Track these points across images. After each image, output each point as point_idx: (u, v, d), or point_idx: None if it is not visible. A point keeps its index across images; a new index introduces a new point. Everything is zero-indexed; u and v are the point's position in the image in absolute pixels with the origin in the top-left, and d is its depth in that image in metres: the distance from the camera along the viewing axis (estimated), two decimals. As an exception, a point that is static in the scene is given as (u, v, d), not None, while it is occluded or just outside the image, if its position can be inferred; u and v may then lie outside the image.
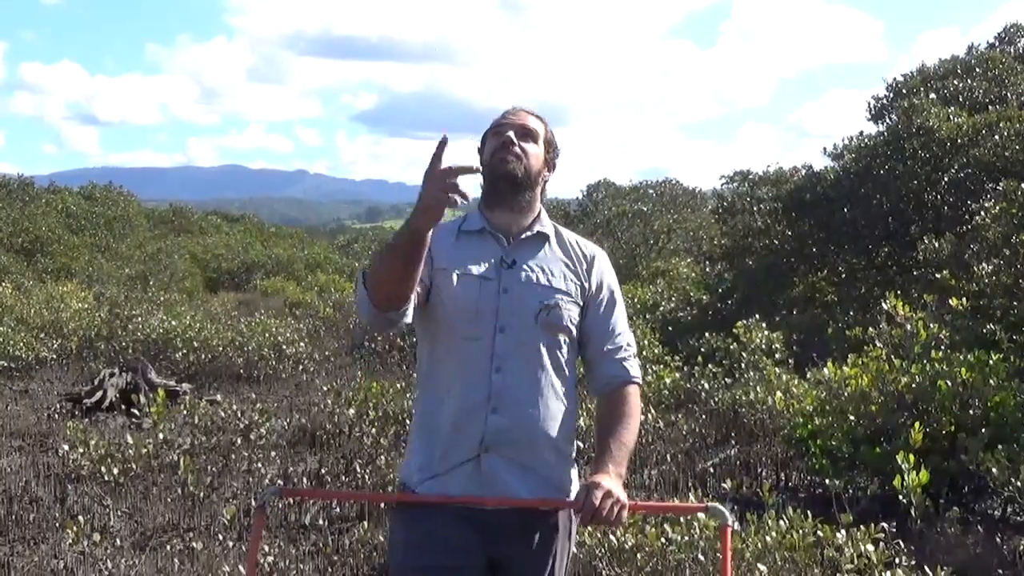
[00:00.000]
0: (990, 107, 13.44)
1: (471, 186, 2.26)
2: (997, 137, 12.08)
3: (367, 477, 6.16)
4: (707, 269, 15.86)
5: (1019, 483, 5.16)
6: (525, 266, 2.56)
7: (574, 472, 2.61)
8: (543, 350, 2.53)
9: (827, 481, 5.59)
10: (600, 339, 2.58)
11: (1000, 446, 5.28)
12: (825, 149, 14.75)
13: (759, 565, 3.92)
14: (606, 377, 2.56)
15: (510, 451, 2.48)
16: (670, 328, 12.64)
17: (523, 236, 2.59)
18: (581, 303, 2.58)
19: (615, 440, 2.47)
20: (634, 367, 2.59)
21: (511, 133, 2.57)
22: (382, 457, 6.57)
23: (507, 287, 2.53)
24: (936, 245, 10.50)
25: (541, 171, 2.62)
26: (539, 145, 2.62)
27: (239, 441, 6.91)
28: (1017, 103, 13.49)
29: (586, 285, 2.60)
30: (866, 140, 14.01)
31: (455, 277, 2.54)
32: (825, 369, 6.62)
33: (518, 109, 2.67)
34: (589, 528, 4.35)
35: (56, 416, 8.93)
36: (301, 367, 11.66)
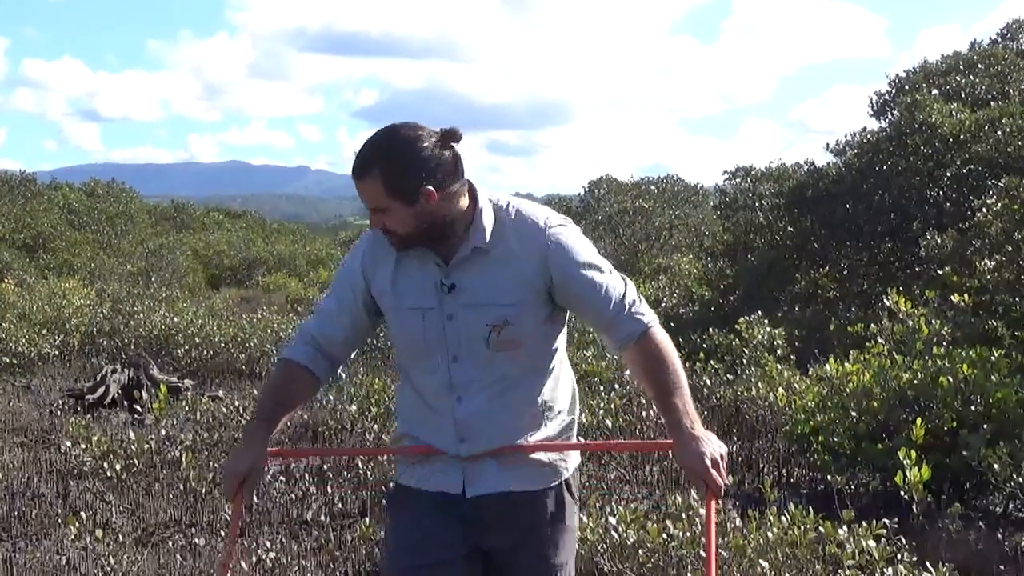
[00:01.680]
0: (992, 103, 13.44)
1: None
2: (999, 133, 12.07)
3: (369, 473, 6.16)
4: (709, 265, 15.86)
5: (1021, 479, 5.16)
6: (466, 288, 2.39)
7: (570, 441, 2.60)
8: (505, 368, 2.43)
9: (829, 477, 5.59)
10: (596, 310, 2.43)
11: (1002, 442, 5.27)
12: (827, 145, 14.76)
13: (761, 561, 3.92)
14: (622, 339, 2.43)
15: (490, 459, 2.46)
16: (672, 324, 12.63)
17: (457, 256, 2.40)
18: (548, 292, 2.42)
19: (670, 391, 2.38)
20: (645, 314, 2.43)
21: (373, 224, 2.40)
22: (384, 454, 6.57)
23: (451, 314, 2.40)
24: (938, 241, 10.50)
25: (422, 214, 2.32)
26: (394, 207, 2.32)
27: (241, 437, 6.91)
28: (1019, 99, 13.48)
29: (549, 272, 2.40)
30: (868, 136, 14.02)
31: (399, 313, 2.46)
32: (827, 365, 6.61)
33: (355, 177, 2.33)
34: (591, 524, 4.35)
35: (58, 412, 8.93)
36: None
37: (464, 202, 2.40)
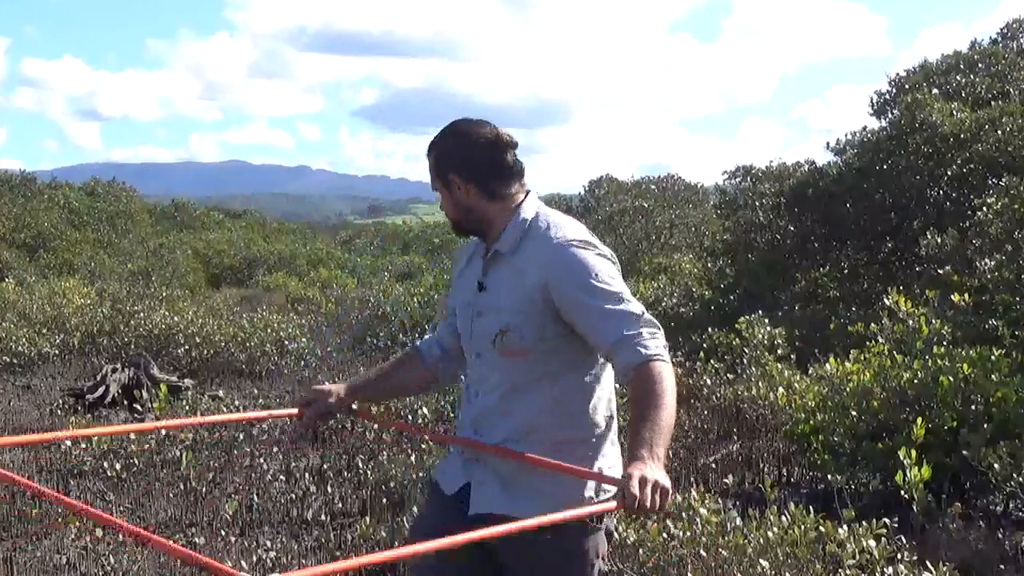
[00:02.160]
0: (992, 102, 13.42)
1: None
2: (1000, 132, 12.06)
3: (369, 473, 6.17)
4: (709, 265, 15.85)
5: (1021, 479, 5.16)
6: (490, 289, 2.54)
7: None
8: (512, 373, 2.49)
9: (829, 477, 5.59)
10: (592, 336, 2.42)
11: (1002, 442, 5.27)
12: (828, 144, 14.71)
13: (761, 561, 3.92)
14: (621, 370, 2.40)
15: (494, 465, 2.51)
16: (672, 324, 12.63)
17: (488, 258, 2.57)
18: (553, 308, 2.44)
19: (644, 422, 2.26)
20: (648, 347, 2.34)
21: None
22: (384, 453, 6.57)
23: (480, 311, 2.55)
24: (938, 240, 10.48)
25: (458, 202, 2.55)
26: (440, 189, 2.57)
27: (241, 436, 6.91)
28: (1020, 98, 13.47)
29: (548, 289, 2.43)
30: (869, 135, 13.99)
31: (458, 308, 2.68)
32: (827, 365, 6.61)
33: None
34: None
35: (59, 411, 8.94)
36: (303, 363, 11.67)
37: (509, 205, 2.54)
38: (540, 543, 2.42)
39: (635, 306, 2.41)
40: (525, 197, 2.56)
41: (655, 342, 2.37)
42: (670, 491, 2.15)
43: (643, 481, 2.12)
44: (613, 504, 2.18)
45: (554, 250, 2.45)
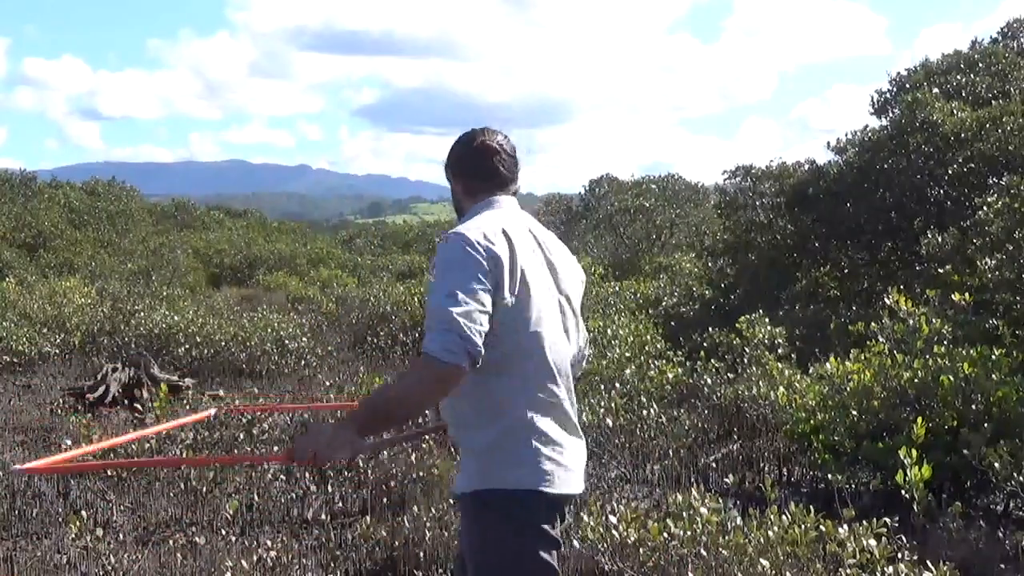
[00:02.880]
0: (993, 102, 13.42)
1: None
2: (1000, 131, 12.06)
3: (369, 472, 6.17)
4: (710, 264, 15.86)
5: (1022, 478, 5.16)
6: None
7: (476, 462, 2.60)
8: None
9: (829, 476, 5.59)
10: None
11: (1002, 441, 5.28)
12: (828, 144, 14.71)
13: (761, 560, 3.92)
14: None
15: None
16: (673, 323, 12.64)
17: None
18: None
19: (376, 393, 2.66)
20: (431, 340, 2.43)
21: None
22: (384, 453, 6.57)
23: None
24: (939, 240, 10.48)
25: (454, 195, 2.86)
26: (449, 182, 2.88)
27: (241, 436, 6.91)
28: (1020, 98, 13.46)
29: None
30: (869, 135, 13.99)
31: None
32: (828, 364, 6.61)
33: None
34: (591, 523, 4.35)
35: (59, 411, 8.94)
36: (303, 362, 11.68)
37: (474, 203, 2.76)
38: (464, 528, 2.66)
39: (457, 307, 2.43)
40: (496, 200, 2.73)
41: (438, 341, 2.41)
42: (328, 453, 2.43)
43: (309, 440, 2.44)
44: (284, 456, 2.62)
45: (443, 240, 2.64)
